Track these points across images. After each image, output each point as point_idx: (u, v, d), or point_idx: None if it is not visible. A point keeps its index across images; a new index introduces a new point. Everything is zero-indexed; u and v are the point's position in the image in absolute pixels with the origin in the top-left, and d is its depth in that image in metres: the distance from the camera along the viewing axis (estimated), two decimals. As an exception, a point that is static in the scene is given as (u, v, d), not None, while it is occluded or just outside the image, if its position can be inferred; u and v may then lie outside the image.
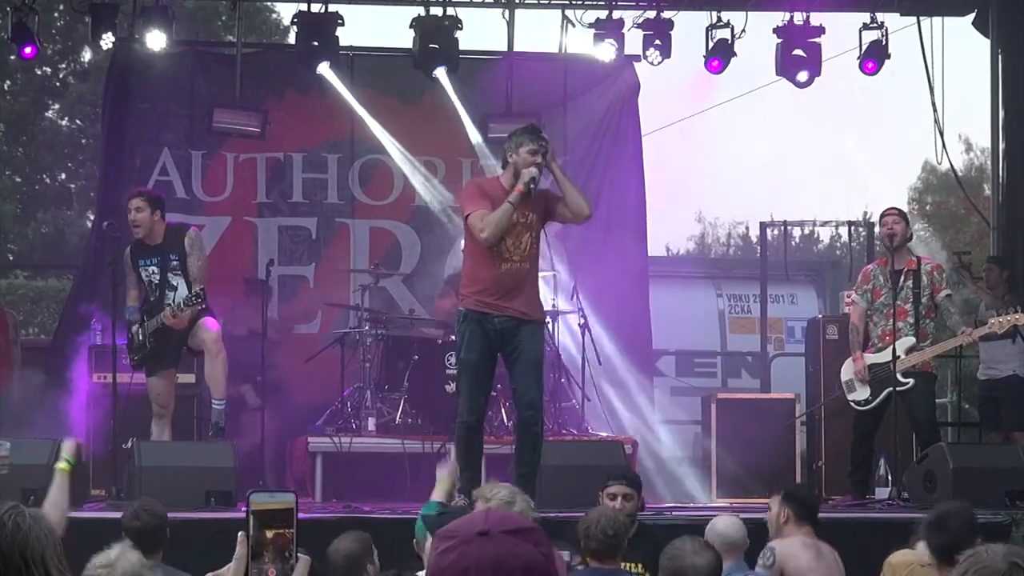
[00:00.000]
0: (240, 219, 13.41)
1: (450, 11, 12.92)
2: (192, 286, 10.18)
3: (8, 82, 27.72)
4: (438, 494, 7.35)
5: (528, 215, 8.70)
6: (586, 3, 13.45)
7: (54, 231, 27.61)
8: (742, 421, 11.92)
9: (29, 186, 28.73)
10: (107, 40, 12.49)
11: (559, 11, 13.51)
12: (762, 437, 11.63)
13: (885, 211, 10.84)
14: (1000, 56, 13.67)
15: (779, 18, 13.07)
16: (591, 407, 12.26)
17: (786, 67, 13.06)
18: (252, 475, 10.33)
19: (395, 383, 11.63)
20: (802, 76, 13.05)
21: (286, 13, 23.19)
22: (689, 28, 13.18)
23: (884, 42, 13.09)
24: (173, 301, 10.13)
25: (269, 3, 25.20)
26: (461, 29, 12.80)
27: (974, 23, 13.86)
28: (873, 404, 10.66)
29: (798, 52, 12.97)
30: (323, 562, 6.23)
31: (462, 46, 12.84)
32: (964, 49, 14.95)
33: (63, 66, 28.68)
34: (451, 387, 11.13)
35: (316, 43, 12.68)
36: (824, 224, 16.57)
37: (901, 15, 13.54)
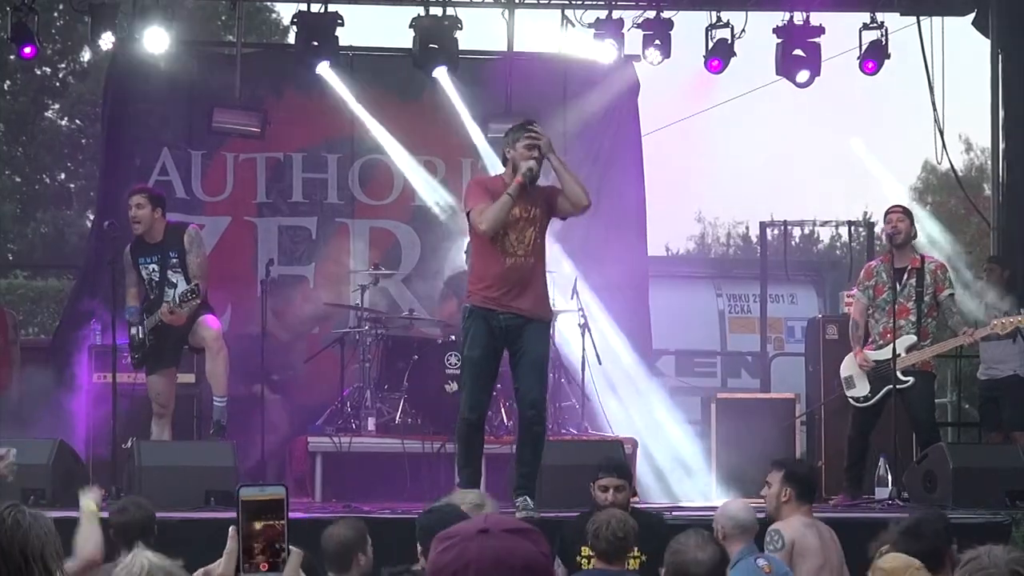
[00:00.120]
0: (240, 219, 13.41)
1: (450, 11, 12.91)
2: (191, 283, 10.20)
3: (8, 82, 27.68)
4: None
5: (531, 209, 8.69)
6: (586, 3, 13.44)
7: (54, 231, 27.58)
8: (742, 421, 11.92)
9: (29, 186, 28.69)
10: (107, 40, 12.47)
11: (559, 11, 13.49)
12: (762, 437, 11.62)
13: (890, 208, 10.79)
14: (1000, 56, 13.65)
15: (779, 18, 13.07)
16: (591, 407, 12.25)
17: (786, 67, 13.05)
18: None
19: (395, 383, 11.62)
20: (802, 76, 13.04)
21: (286, 13, 23.18)
22: (689, 28, 13.19)
23: (884, 42, 13.08)
24: (172, 298, 10.15)
25: (269, 3, 25.21)
26: (461, 29, 12.79)
27: (974, 23, 13.84)
28: (872, 401, 10.65)
29: (798, 52, 12.97)
30: (318, 555, 6.24)
31: (462, 46, 12.83)
32: (964, 49, 14.93)
33: (63, 66, 28.65)
34: (451, 387, 11.15)
35: (316, 43, 12.67)
36: (824, 224, 16.56)
37: (901, 15, 13.53)
